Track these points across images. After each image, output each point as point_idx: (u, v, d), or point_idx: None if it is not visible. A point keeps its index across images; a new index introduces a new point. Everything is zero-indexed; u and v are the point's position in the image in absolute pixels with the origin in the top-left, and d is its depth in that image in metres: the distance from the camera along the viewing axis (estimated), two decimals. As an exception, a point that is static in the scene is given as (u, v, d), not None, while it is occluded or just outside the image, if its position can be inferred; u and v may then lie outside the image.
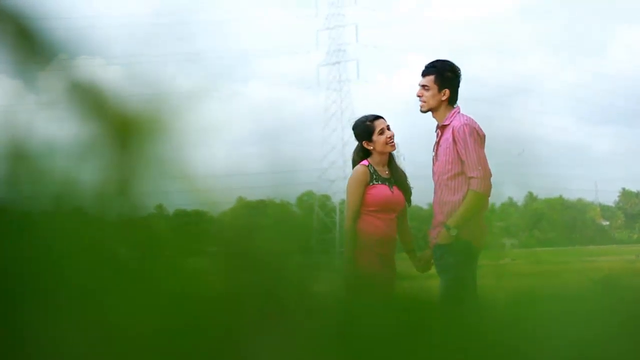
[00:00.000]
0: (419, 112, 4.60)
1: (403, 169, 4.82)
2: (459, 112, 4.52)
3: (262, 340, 0.81)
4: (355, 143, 4.87)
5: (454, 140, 4.39)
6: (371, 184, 4.66)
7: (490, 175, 4.34)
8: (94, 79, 0.98)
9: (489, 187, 4.31)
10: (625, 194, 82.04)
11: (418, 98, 4.58)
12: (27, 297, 0.80)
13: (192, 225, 1.08)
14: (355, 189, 4.64)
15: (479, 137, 4.40)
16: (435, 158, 4.56)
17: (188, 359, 0.80)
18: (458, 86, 4.63)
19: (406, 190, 4.77)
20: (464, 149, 4.35)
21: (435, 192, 4.53)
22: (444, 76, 4.56)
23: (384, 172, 4.75)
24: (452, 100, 4.59)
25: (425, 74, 4.59)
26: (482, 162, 4.33)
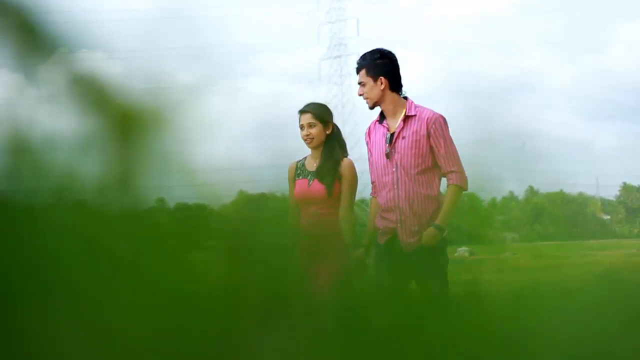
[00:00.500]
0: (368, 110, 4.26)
1: (338, 159, 4.36)
2: (415, 103, 4.21)
3: (263, 333, 0.81)
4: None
5: (427, 132, 4.10)
6: (296, 179, 4.39)
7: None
8: (95, 72, 0.98)
9: (467, 180, 4.09)
10: (626, 189, 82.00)
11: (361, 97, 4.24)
12: (29, 290, 0.80)
13: (193, 219, 1.08)
14: (288, 185, 4.42)
15: (449, 129, 4.16)
16: (393, 150, 4.16)
17: (190, 353, 0.80)
18: (397, 71, 4.27)
19: (328, 182, 4.32)
20: (442, 142, 4.09)
21: (395, 187, 4.14)
22: (374, 65, 4.20)
23: (313, 166, 4.42)
24: (395, 86, 4.23)
25: (358, 70, 4.28)
26: (458, 155, 4.11)
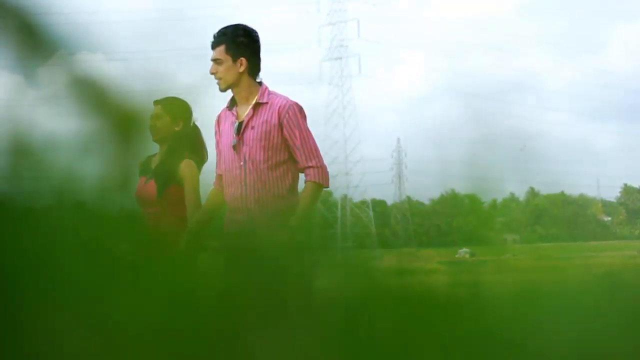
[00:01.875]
0: (219, 91, 3.71)
1: (178, 159, 3.91)
2: (270, 89, 3.72)
3: (265, 335, 0.81)
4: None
5: (279, 122, 3.60)
6: (140, 175, 3.92)
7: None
8: (95, 74, 0.98)
9: (328, 177, 3.63)
10: (627, 190, 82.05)
11: (213, 76, 3.69)
12: (29, 291, 0.80)
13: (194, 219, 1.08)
14: None
15: (306, 119, 3.68)
16: (241, 142, 3.64)
17: (188, 357, 0.80)
18: (258, 54, 3.74)
19: (160, 183, 3.90)
20: (297, 133, 3.60)
21: (243, 184, 3.62)
22: (236, 43, 3.66)
23: (155, 163, 4.00)
24: (253, 71, 3.70)
25: (214, 45, 3.70)
26: (317, 148, 3.65)
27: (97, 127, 0.96)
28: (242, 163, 3.62)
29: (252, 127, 3.62)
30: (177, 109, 4.00)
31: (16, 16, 0.99)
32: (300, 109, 3.65)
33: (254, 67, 3.71)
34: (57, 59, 0.99)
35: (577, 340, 0.90)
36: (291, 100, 3.67)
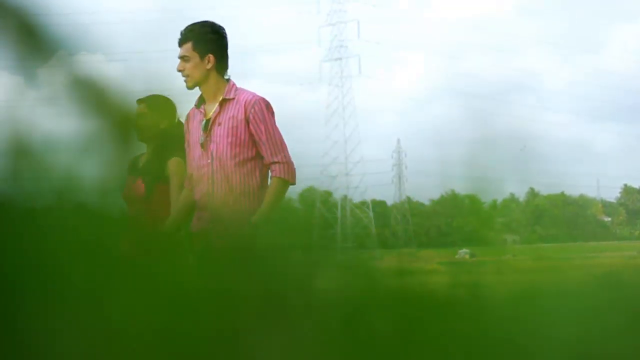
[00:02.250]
0: (186, 89, 3.67)
1: (166, 158, 3.89)
2: (237, 86, 3.68)
3: (264, 335, 0.81)
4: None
5: (246, 117, 3.56)
6: (128, 175, 3.86)
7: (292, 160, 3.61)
8: (95, 75, 0.98)
9: (294, 173, 3.59)
10: (627, 190, 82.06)
11: (180, 73, 3.65)
12: (29, 292, 0.80)
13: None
14: None
15: (274, 115, 3.63)
16: (209, 139, 3.60)
17: (188, 357, 0.80)
18: (226, 51, 3.71)
19: (148, 182, 3.87)
20: (263, 128, 3.54)
21: (210, 182, 3.58)
22: (204, 40, 3.63)
23: (142, 162, 3.98)
24: (221, 68, 3.67)
25: (181, 42, 3.66)
26: (284, 143, 3.60)
27: (97, 128, 0.96)
28: (209, 160, 3.58)
29: (219, 124, 3.59)
30: (161, 107, 3.97)
31: (16, 17, 0.99)
32: (267, 104, 3.60)
33: (222, 64, 3.68)
34: (57, 60, 0.99)
35: (577, 341, 0.90)
36: (258, 96, 3.62)
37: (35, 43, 0.98)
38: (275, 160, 3.54)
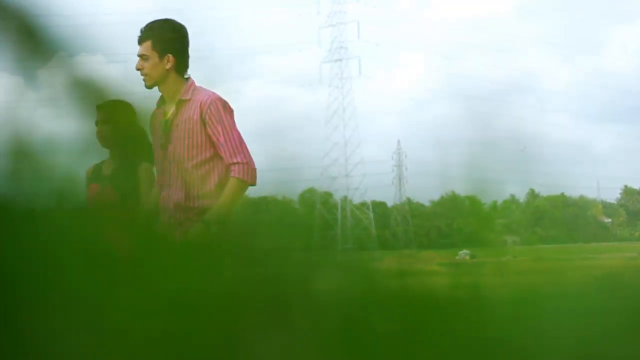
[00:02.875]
0: (145, 88, 3.55)
1: (135, 163, 3.82)
2: (197, 85, 3.60)
3: (265, 336, 0.81)
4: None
5: (202, 118, 3.48)
6: (91, 183, 3.82)
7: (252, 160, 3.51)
8: (95, 76, 0.98)
9: (255, 174, 3.48)
10: (627, 192, 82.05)
11: (139, 72, 3.54)
12: (28, 292, 0.80)
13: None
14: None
15: (233, 115, 3.54)
16: (168, 141, 3.52)
17: (190, 357, 0.80)
18: (186, 50, 3.62)
19: (123, 190, 3.81)
20: (220, 129, 3.46)
21: (168, 185, 3.51)
22: (164, 39, 3.53)
23: (108, 170, 3.91)
24: (181, 67, 3.58)
25: (141, 40, 3.55)
26: (244, 143, 3.51)
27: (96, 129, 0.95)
28: (168, 162, 3.53)
29: (177, 125, 3.51)
30: (120, 113, 3.82)
31: (16, 18, 0.99)
32: (225, 104, 3.52)
33: (182, 63, 3.59)
34: (57, 61, 0.99)
35: (577, 342, 0.89)
36: (215, 95, 3.54)
37: (35, 44, 0.98)
38: (235, 161, 3.46)
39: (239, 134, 3.50)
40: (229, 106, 3.55)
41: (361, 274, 0.96)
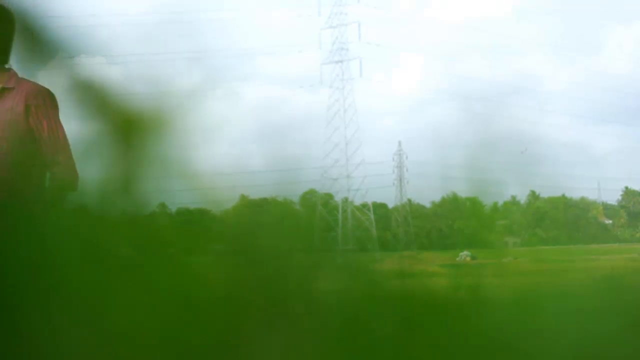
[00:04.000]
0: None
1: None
2: (20, 77, 3.21)
3: (266, 336, 0.81)
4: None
5: (25, 110, 3.13)
6: None
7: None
8: (96, 77, 0.98)
9: (76, 177, 2.93)
10: (628, 193, 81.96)
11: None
12: (32, 292, 0.80)
13: (194, 223, 1.08)
14: None
15: (58, 110, 3.19)
16: None
17: (190, 356, 0.80)
18: (9, 37, 2.99)
19: None
20: (45, 123, 3.14)
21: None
22: None
23: None
24: (3, 56, 3.14)
25: None
26: (68, 143, 3.21)
27: (97, 130, 0.96)
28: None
29: None
30: None
31: (18, 19, 0.99)
32: (52, 97, 3.16)
33: (3, 51, 3.13)
34: (58, 62, 0.99)
35: (578, 343, 0.89)
36: (42, 87, 3.16)
37: (36, 45, 0.98)
38: (58, 159, 3.14)
39: (64, 131, 3.18)
40: (56, 100, 3.18)
41: (362, 275, 0.96)
